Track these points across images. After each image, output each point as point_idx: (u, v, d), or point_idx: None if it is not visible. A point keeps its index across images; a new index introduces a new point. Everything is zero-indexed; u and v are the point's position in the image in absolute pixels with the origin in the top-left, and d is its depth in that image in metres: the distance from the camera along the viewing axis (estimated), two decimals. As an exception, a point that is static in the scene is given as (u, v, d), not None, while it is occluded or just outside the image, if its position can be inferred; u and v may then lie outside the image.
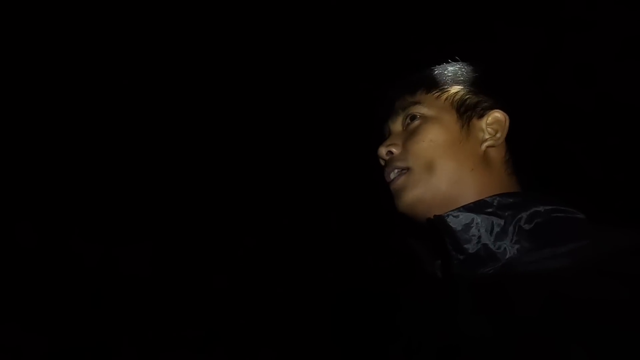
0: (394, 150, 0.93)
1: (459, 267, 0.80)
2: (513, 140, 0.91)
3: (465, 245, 0.80)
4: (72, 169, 2.44)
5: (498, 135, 0.90)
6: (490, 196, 0.82)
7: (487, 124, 0.91)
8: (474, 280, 0.79)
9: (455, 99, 0.92)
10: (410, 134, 0.91)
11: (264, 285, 2.60)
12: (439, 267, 0.88)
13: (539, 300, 0.72)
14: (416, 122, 0.92)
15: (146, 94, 2.48)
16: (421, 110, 0.92)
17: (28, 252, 2.35)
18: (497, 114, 0.91)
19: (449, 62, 0.98)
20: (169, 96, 2.50)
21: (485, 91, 0.93)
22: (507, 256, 0.78)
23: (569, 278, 0.72)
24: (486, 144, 0.89)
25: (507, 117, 0.91)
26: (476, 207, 0.81)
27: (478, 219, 0.80)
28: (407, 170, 0.90)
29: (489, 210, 0.81)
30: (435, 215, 0.83)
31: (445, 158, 0.88)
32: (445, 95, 0.93)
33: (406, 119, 0.94)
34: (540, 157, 0.95)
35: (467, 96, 0.92)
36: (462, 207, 0.82)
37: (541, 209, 0.80)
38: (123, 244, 2.48)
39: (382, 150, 0.94)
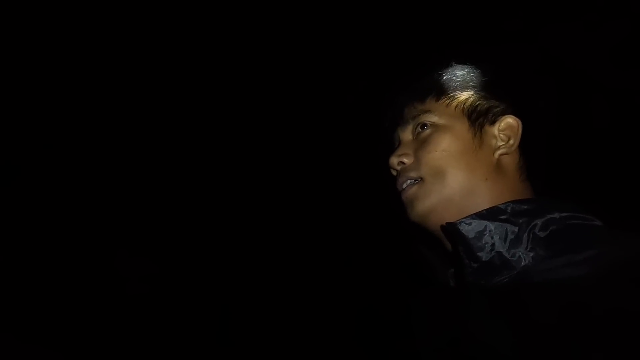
0: (405, 160, 0.91)
1: (472, 275, 0.79)
2: (527, 145, 0.89)
3: (479, 253, 0.78)
4: (74, 174, 2.43)
5: (511, 142, 0.88)
6: (504, 203, 0.80)
7: (500, 130, 0.88)
8: (488, 289, 0.77)
9: (466, 105, 0.90)
10: (421, 144, 0.89)
11: (264, 286, 2.59)
12: (452, 275, 0.87)
13: (557, 309, 0.70)
14: (427, 131, 0.90)
15: (145, 97, 2.47)
16: (432, 118, 0.90)
17: (29, 261, 2.33)
18: (510, 120, 0.88)
19: (457, 65, 0.95)
20: (168, 100, 2.49)
21: (497, 95, 0.90)
22: (522, 264, 0.77)
23: (586, 286, 0.71)
24: (499, 152, 0.87)
25: (519, 122, 0.88)
26: (489, 214, 0.80)
27: (491, 226, 0.79)
28: (419, 180, 0.88)
29: (503, 217, 0.79)
30: (447, 223, 0.82)
31: (458, 168, 0.85)
32: (455, 102, 0.90)
33: (416, 127, 0.91)
34: (552, 162, 0.93)
35: (478, 102, 0.90)
36: (475, 214, 0.80)
37: (556, 215, 0.78)
38: (123, 246, 2.47)
39: (394, 160, 0.92)
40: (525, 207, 0.80)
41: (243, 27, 2.44)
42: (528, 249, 0.77)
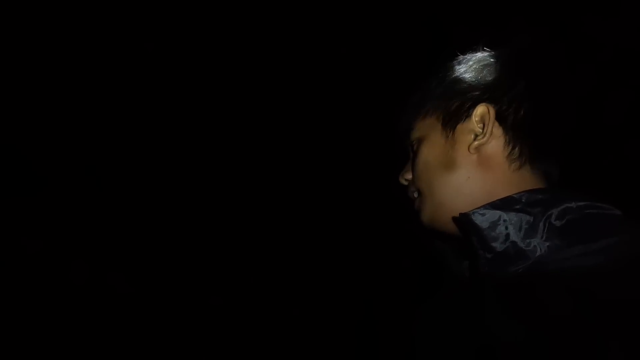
0: (408, 177, 0.96)
1: (487, 266, 0.77)
2: (515, 130, 0.85)
3: (493, 244, 0.77)
4: (73, 174, 2.41)
5: (485, 130, 0.86)
6: (518, 193, 0.79)
7: (477, 122, 0.87)
8: (503, 280, 0.76)
9: (439, 110, 0.90)
10: (413, 160, 0.94)
11: (263, 286, 2.58)
12: (467, 267, 0.86)
13: (572, 298, 0.69)
14: (416, 147, 0.93)
15: (144, 98, 2.46)
16: (415, 134, 0.94)
17: (28, 261, 2.31)
18: (480, 108, 0.86)
19: (436, 72, 0.94)
20: (166, 100, 2.49)
21: (470, 88, 0.88)
22: (537, 254, 0.75)
23: (602, 276, 0.69)
24: (473, 145, 0.86)
25: (489, 107, 0.86)
26: (503, 204, 0.78)
27: (505, 216, 0.77)
28: (418, 194, 0.93)
29: (517, 207, 0.78)
30: (460, 214, 0.81)
31: (439, 175, 0.88)
32: (431, 111, 0.92)
33: (410, 145, 0.96)
34: (560, 148, 0.90)
35: (451, 101, 0.89)
36: (489, 204, 0.79)
37: (573, 205, 0.76)
38: (113, 257, 2.45)
39: (401, 180, 0.99)
40: (540, 196, 0.78)
41: (242, 27, 2.44)
42: (544, 239, 0.76)
